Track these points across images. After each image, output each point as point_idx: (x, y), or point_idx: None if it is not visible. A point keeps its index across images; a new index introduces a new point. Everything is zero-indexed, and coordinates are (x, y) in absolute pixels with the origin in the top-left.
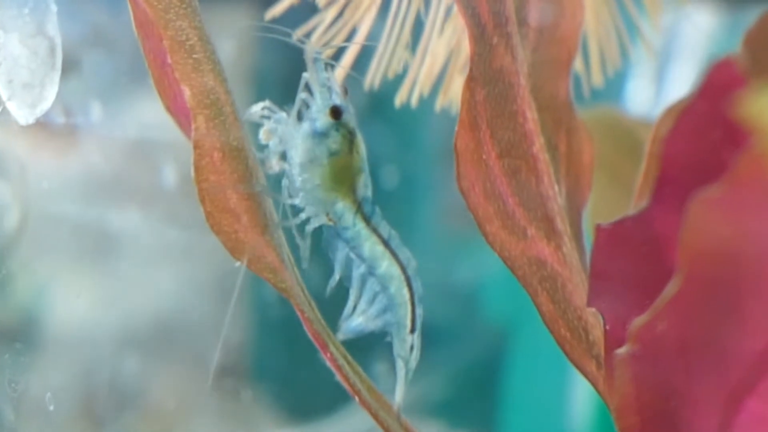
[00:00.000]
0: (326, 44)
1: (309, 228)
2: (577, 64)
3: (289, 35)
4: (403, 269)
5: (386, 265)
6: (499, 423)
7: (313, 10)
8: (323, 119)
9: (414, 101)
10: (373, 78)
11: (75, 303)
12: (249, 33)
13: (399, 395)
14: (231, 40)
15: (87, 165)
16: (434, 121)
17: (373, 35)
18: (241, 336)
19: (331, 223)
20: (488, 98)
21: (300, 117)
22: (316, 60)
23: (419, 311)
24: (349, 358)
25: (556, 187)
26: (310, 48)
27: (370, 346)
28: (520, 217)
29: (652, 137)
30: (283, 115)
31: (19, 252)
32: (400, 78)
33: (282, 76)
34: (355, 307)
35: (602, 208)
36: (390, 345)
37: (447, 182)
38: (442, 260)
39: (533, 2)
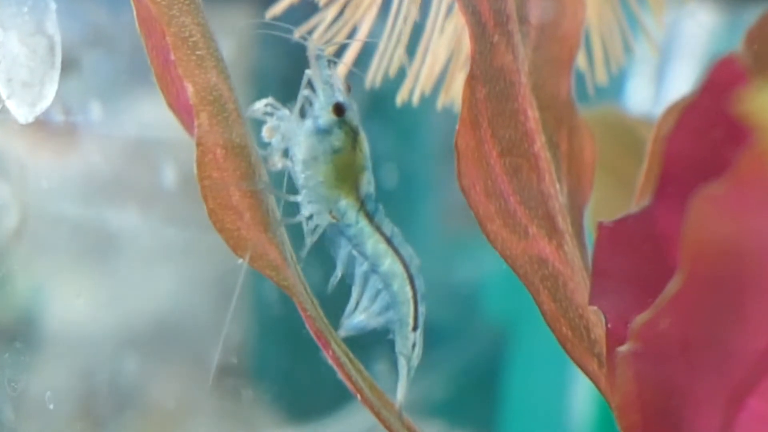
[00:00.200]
0: (328, 41)
1: (311, 225)
2: (581, 62)
3: (292, 33)
4: (406, 267)
5: (389, 262)
6: (499, 422)
7: (314, 9)
8: (326, 116)
9: (415, 100)
10: (374, 76)
11: (74, 302)
12: (251, 30)
13: (401, 393)
14: (233, 38)
15: (86, 164)
16: (435, 120)
17: (374, 34)
18: (241, 336)
19: (333, 221)
20: (489, 96)
21: (303, 114)
22: (318, 57)
23: (422, 309)
24: (351, 356)
25: (558, 186)
26: (313, 45)
27: (371, 345)
28: (522, 215)
29: (653, 136)
30: (286, 112)
31: (18, 251)
32: (401, 76)
33: (284, 74)
34: (357, 305)
35: (604, 206)
36: (391, 343)
37: (448, 181)
38: (443, 259)
39: (534, 0)
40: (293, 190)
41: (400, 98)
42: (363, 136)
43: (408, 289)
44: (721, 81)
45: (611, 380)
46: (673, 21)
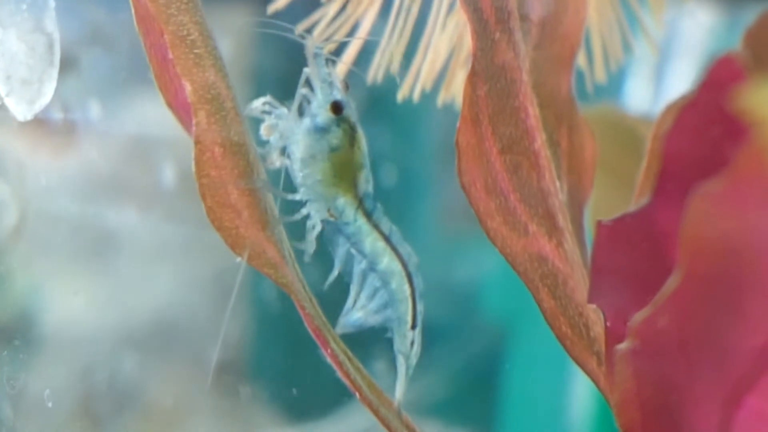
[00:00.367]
0: (327, 39)
1: (310, 223)
2: (580, 60)
3: (291, 30)
4: (404, 265)
5: (387, 260)
6: (498, 420)
7: (316, 4)
8: (324, 114)
9: (416, 97)
10: (375, 73)
11: (73, 300)
12: (249, 29)
13: (400, 391)
14: (231, 36)
15: (85, 162)
16: (436, 117)
17: (376, 31)
18: (240, 334)
19: (332, 219)
20: (490, 94)
21: (301, 112)
22: (317, 55)
23: (420, 307)
24: (350, 354)
25: (558, 184)
26: (311, 43)
27: (370, 343)
28: (522, 213)
29: (653, 134)
30: (284, 110)
31: (17, 249)
32: (402, 73)
33: (282, 72)
34: (355, 303)
35: (603, 204)
36: (390, 341)
37: (447, 179)
38: (442, 257)
39: None
40: (291, 188)
41: (401, 95)
42: (361, 134)
43: (406, 287)
44: (719, 80)
45: (610, 378)
46: (672, 20)
